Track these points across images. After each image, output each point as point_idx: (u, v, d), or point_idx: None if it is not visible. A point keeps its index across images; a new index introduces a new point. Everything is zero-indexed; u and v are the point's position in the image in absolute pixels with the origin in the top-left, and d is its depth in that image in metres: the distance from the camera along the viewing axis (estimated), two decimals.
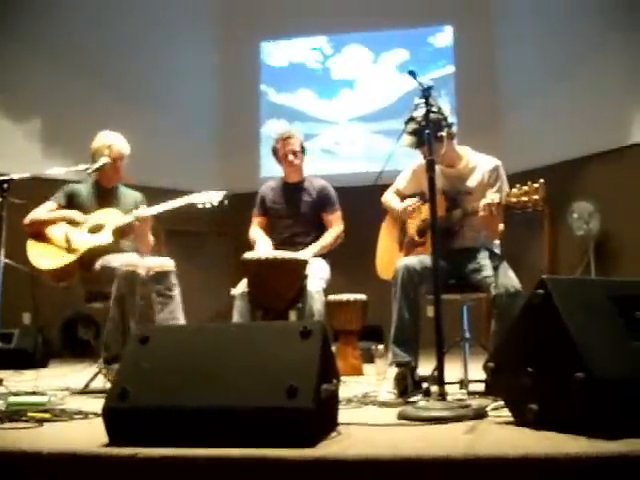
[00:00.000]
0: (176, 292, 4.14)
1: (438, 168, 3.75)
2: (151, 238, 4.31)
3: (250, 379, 2.17)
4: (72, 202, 4.29)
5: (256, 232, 4.66)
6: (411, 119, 3.15)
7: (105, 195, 4.34)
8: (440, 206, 3.62)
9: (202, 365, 2.26)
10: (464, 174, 3.76)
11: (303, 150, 4.69)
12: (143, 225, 4.19)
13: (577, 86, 8.18)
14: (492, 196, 3.44)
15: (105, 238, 4.09)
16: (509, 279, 3.40)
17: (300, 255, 4.29)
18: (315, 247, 4.48)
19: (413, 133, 3.31)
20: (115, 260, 4.01)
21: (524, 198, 3.22)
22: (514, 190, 3.27)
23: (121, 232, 4.19)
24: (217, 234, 9.15)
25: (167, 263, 4.18)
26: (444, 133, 3.61)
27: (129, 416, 2.20)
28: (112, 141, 4.29)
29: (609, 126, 7.80)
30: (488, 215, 3.40)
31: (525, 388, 2.33)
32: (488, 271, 3.52)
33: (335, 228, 4.60)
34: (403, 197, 3.97)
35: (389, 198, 4.04)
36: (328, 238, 4.55)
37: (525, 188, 3.23)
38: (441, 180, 3.74)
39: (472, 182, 3.73)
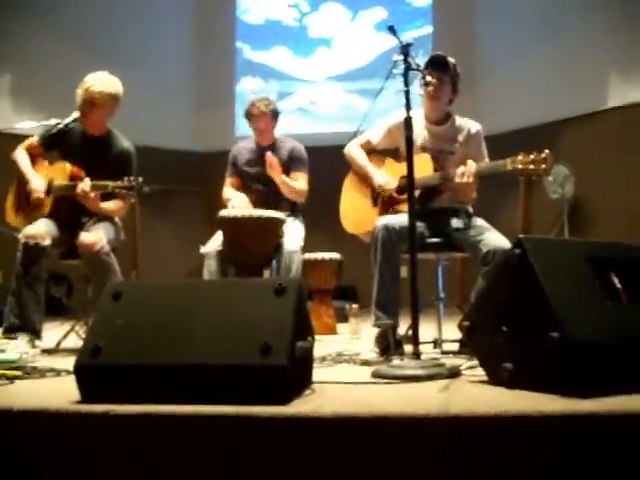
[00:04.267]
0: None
1: (424, 124, 3.75)
2: (110, 204, 4.02)
3: (224, 336, 2.15)
4: (59, 146, 4.11)
5: (229, 191, 4.63)
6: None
7: (91, 144, 4.08)
8: (428, 165, 3.63)
9: (176, 322, 2.24)
10: (450, 134, 3.77)
11: (277, 116, 4.67)
12: (86, 198, 3.87)
13: (554, 50, 8.13)
14: (469, 165, 3.46)
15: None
16: (499, 237, 3.43)
17: (277, 214, 4.27)
18: (284, 177, 4.45)
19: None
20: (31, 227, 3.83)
21: (531, 166, 3.24)
22: (520, 157, 3.28)
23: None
24: (191, 192, 9.08)
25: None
26: (422, 92, 3.62)
27: (102, 373, 2.17)
28: (88, 80, 3.98)
29: (585, 90, 7.79)
30: (463, 182, 3.48)
31: (500, 347, 2.34)
32: (473, 230, 3.54)
33: (300, 183, 4.56)
34: (372, 150, 3.93)
35: (357, 154, 3.93)
36: (294, 183, 4.51)
37: (532, 157, 3.25)
38: (426, 137, 3.74)
39: (457, 142, 3.75)
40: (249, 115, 4.67)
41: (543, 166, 3.22)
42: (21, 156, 4.12)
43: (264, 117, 4.61)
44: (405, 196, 3.61)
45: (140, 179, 3.81)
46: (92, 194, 3.84)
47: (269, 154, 4.40)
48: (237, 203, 4.42)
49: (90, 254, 3.80)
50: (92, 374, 2.18)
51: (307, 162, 4.65)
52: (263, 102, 4.66)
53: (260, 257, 4.27)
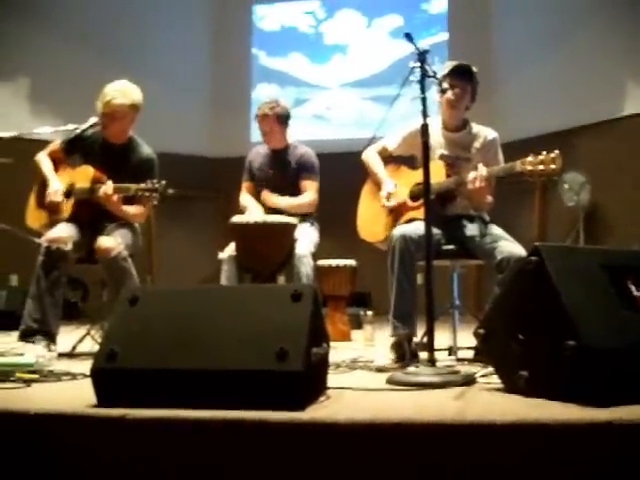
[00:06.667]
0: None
1: (441, 131, 3.75)
2: (132, 209, 4.02)
3: (240, 342, 2.15)
4: (80, 152, 4.12)
5: (247, 199, 4.63)
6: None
7: (112, 152, 4.07)
8: (441, 171, 3.62)
9: (192, 327, 2.24)
10: (466, 141, 3.77)
11: (285, 120, 4.64)
12: (108, 200, 3.89)
13: (570, 57, 8.12)
14: (480, 169, 3.46)
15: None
16: (514, 245, 3.42)
17: (289, 219, 4.28)
18: (284, 201, 4.47)
19: None
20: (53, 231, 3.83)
21: (540, 167, 3.22)
22: (529, 158, 3.26)
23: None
24: (206, 198, 9.11)
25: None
26: (439, 99, 3.64)
27: (117, 377, 2.18)
28: (106, 92, 3.97)
29: (601, 97, 7.76)
30: (476, 187, 3.46)
31: (516, 355, 2.33)
32: (488, 237, 3.53)
33: (308, 194, 4.55)
34: (389, 157, 3.93)
35: (374, 161, 3.93)
36: (298, 200, 4.51)
37: (541, 157, 3.22)
38: (443, 144, 3.74)
39: (473, 150, 3.75)
40: (256, 117, 4.69)
41: (552, 166, 3.20)
42: (44, 159, 4.14)
43: (266, 119, 4.60)
44: (418, 203, 3.62)
45: (163, 182, 3.82)
46: (115, 197, 3.86)
47: (265, 192, 4.48)
48: (253, 213, 4.43)
49: (107, 259, 3.80)
50: (108, 378, 2.19)
51: (317, 169, 4.62)
52: (268, 105, 4.65)
53: (273, 263, 4.27)
